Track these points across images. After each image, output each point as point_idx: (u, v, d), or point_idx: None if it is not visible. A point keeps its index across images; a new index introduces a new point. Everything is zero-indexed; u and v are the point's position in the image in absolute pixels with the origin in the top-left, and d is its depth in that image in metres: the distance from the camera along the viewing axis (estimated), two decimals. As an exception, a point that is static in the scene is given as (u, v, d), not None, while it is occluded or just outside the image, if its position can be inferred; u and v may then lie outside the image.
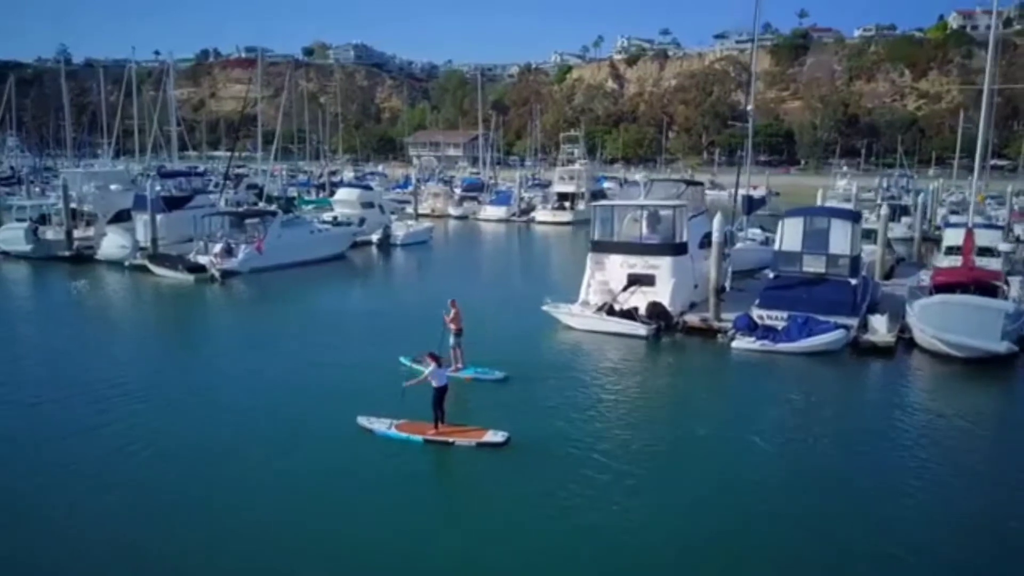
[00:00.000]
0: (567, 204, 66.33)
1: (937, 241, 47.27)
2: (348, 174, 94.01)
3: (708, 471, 14.96)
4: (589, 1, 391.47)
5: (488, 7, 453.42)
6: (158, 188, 39.04)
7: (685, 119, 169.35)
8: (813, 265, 25.42)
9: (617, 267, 26.94)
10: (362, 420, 16.46)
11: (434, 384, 15.88)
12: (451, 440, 15.68)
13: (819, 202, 46.55)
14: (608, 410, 18.37)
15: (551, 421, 17.24)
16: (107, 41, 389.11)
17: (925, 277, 30.15)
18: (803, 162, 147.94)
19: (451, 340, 19.97)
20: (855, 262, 25.24)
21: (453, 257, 49.00)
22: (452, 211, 69.05)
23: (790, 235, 26.00)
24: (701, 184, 32.07)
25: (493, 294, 33.61)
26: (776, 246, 26.73)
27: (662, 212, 27.77)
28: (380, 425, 16.18)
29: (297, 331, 26.31)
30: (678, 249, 26.56)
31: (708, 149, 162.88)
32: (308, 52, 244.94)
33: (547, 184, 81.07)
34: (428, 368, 15.98)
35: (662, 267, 26.20)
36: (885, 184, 63.33)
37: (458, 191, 77.35)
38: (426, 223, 54.58)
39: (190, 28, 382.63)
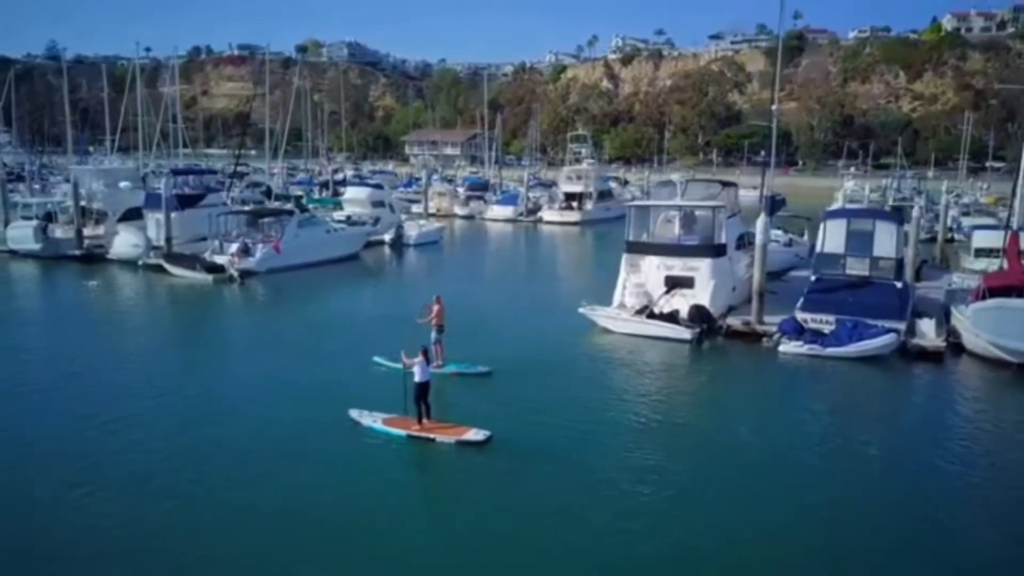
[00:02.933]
0: (575, 204, 65.74)
1: (951, 242, 47.09)
2: (348, 173, 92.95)
3: (768, 478, 14.67)
4: (584, 0, 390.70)
5: (482, 6, 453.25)
6: (173, 186, 38.09)
7: (682, 119, 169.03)
8: (856, 268, 24.94)
9: (654, 269, 26.38)
10: (353, 412, 16.65)
11: (417, 379, 15.87)
12: (432, 437, 15.74)
13: (840, 204, 46.20)
14: (657, 414, 17.97)
15: (609, 427, 16.96)
16: (97, 38, 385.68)
17: (959, 279, 29.75)
18: (801, 163, 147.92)
19: (433, 335, 19.93)
20: (900, 265, 24.79)
21: (466, 258, 48.29)
22: (458, 211, 68.31)
23: (832, 237, 25.49)
24: (735, 185, 31.51)
25: (519, 296, 33.14)
26: (817, 248, 26.22)
27: (698, 213, 27.24)
28: (369, 419, 16.40)
29: (320, 332, 25.71)
30: (718, 251, 26.01)
31: (704, 150, 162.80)
32: (302, 49, 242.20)
33: (550, 184, 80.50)
34: (417, 361, 15.93)
35: (702, 269, 25.64)
36: (896, 185, 63.07)
37: (461, 190, 76.62)
38: (437, 223, 53.86)
39: (182, 25, 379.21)
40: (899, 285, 24.36)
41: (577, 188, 66.51)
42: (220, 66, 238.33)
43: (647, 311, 25.06)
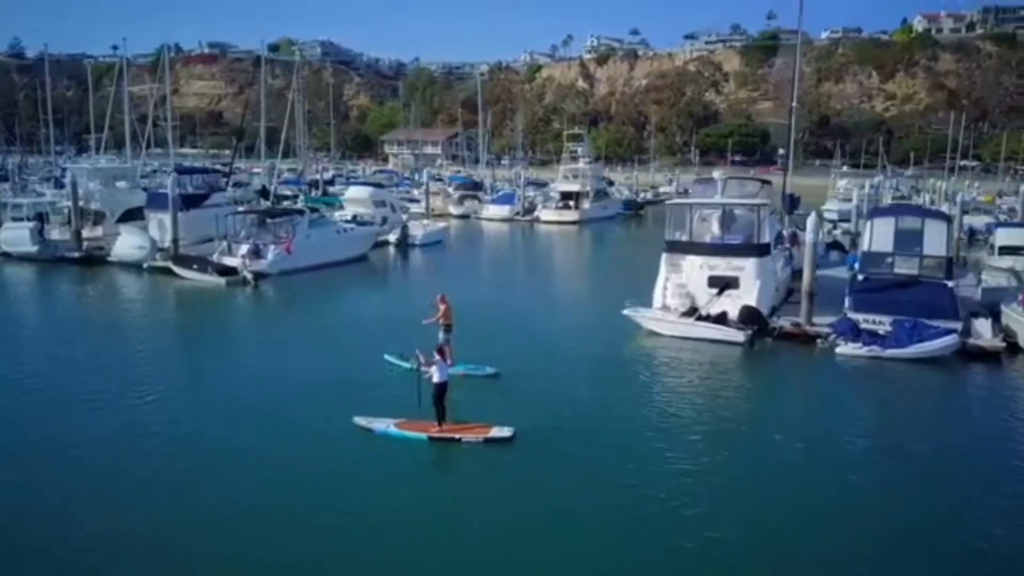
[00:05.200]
0: (571, 204, 65.09)
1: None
2: (331, 172, 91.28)
3: (834, 482, 14.27)
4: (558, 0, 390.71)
5: (456, 5, 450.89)
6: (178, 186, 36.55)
7: (660, 119, 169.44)
8: (905, 267, 24.49)
9: (696, 269, 25.68)
10: (359, 420, 15.98)
11: (435, 380, 15.42)
12: (458, 437, 15.30)
13: (854, 201, 45.99)
14: (714, 418, 17.40)
15: (666, 432, 16.45)
16: (62, 36, 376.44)
17: (990, 278, 29.45)
18: (779, 162, 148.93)
19: (441, 336, 19.21)
20: (950, 263, 24.39)
21: (473, 258, 47.25)
22: (452, 210, 67.28)
23: (880, 235, 25.02)
24: (771, 183, 31.01)
25: (548, 296, 32.52)
26: (863, 247, 25.73)
27: (739, 211, 26.63)
28: (379, 424, 15.75)
29: (336, 333, 24.96)
30: (762, 250, 25.40)
31: (683, 149, 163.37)
32: (274, 48, 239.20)
33: (543, 184, 79.87)
34: (436, 360, 15.50)
35: (747, 269, 24.99)
36: (895, 184, 63.32)
37: (451, 189, 75.54)
38: (441, 223, 52.85)
39: (150, 23, 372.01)
40: (950, 284, 23.95)
41: (574, 187, 65.91)
42: (190, 64, 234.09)
43: (696, 313, 24.33)
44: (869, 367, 21.75)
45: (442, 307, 19.77)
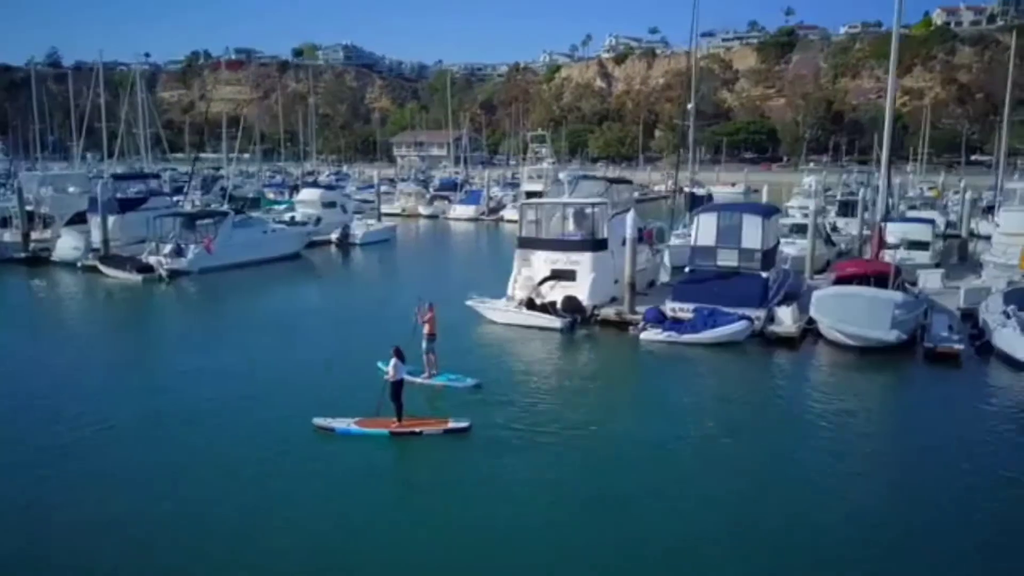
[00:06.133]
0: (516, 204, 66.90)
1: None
2: (325, 176, 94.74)
3: (611, 455, 15.76)
4: (578, 0, 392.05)
5: (479, 8, 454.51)
6: (110, 190, 39.64)
7: (671, 117, 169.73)
8: (726, 259, 26.16)
9: (542, 262, 27.69)
10: (319, 420, 16.51)
11: (393, 377, 16.31)
12: (418, 430, 16.24)
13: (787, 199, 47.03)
14: (515, 401, 18.79)
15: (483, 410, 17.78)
16: (99, 44, 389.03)
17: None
18: (785, 159, 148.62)
19: (424, 345, 19.60)
20: (766, 256, 25.98)
21: (412, 256, 49.62)
22: (422, 210, 69.77)
23: (704, 230, 26.73)
24: (629, 182, 32.76)
25: (435, 289, 34.33)
26: (691, 242, 27.46)
27: (588, 210, 28.51)
28: (340, 423, 16.35)
29: (243, 330, 26.95)
30: (598, 245, 27.30)
31: (676, 148, 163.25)
32: (297, 53, 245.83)
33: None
34: (391, 362, 16.35)
35: (583, 263, 26.96)
36: (847, 180, 64.06)
37: (431, 190, 78.09)
38: (389, 222, 55.29)
39: (181, 31, 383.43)
40: (764, 275, 25.56)
41: (538, 187, 67.55)
42: (218, 70, 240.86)
43: (527, 302, 26.41)
44: (669, 350, 23.63)
45: (429, 314, 19.67)
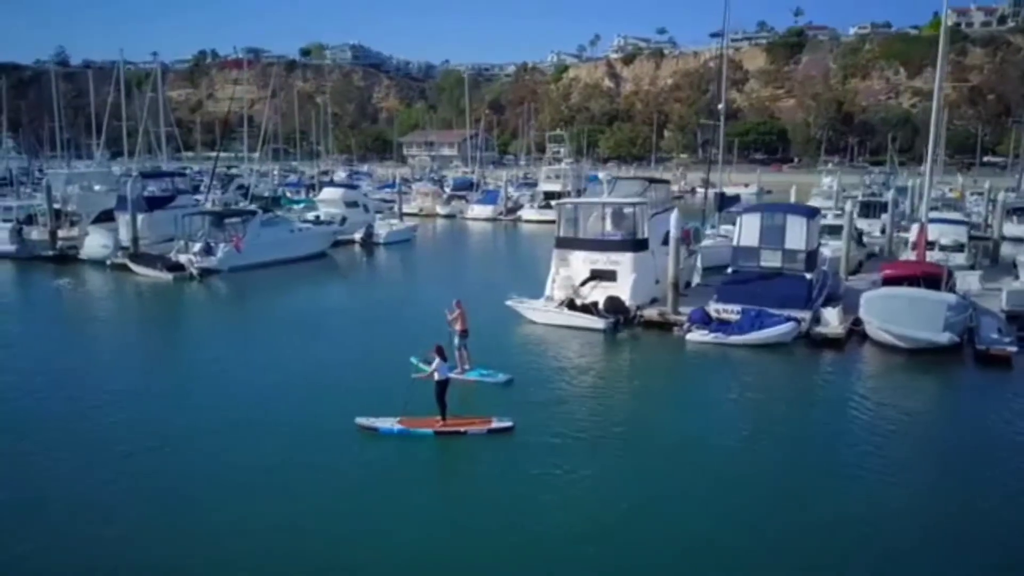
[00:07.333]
0: (553, 203, 66.73)
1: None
2: (340, 174, 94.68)
3: (659, 457, 15.65)
4: (586, 0, 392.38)
5: (485, 8, 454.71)
6: (140, 188, 39.57)
7: (680, 117, 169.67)
8: (770, 260, 25.99)
9: (580, 263, 27.58)
10: (361, 420, 16.48)
11: (437, 377, 16.30)
12: (463, 430, 16.25)
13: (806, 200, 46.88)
14: (558, 401, 18.79)
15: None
16: (106, 43, 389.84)
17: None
18: (796, 160, 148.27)
19: (456, 341, 19.80)
20: (810, 257, 25.81)
21: (434, 255, 49.59)
22: (440, 210, 69.67)
23: (748, 231, 26.56)
24: (667, 182, 32.63)
25: (465, 289, 34.27)
26: (734, 242, 27.30)
27: (627, 210, 28.39)
28: (383, 423, 16.33)
29: (277, 329, 26.87)
30: (639, 245, 27.16)
31: (703, 147, 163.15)
32: (305, 52, 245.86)
33: (536, 183, 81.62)
34: (435, 362, 16.35)
35: (623, 263, 26.82)
36: (867, 181, 63.79)
37: (447, 190, 78.00)
38: (410, 222, 55.20)
39: (188, 29, 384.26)
40: (809, 276, 25.39)
41: (556, 187, 67.61)
42: (226, 69, 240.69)
43: (568, 302, 26.27)
44: (714, 351, 23.48)
45: (457, 312, 20.04)
